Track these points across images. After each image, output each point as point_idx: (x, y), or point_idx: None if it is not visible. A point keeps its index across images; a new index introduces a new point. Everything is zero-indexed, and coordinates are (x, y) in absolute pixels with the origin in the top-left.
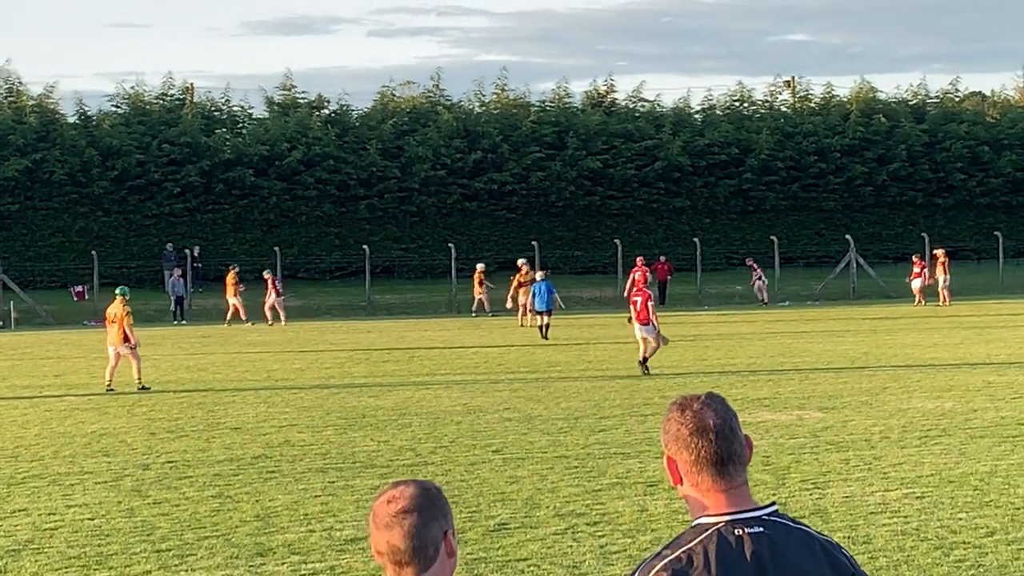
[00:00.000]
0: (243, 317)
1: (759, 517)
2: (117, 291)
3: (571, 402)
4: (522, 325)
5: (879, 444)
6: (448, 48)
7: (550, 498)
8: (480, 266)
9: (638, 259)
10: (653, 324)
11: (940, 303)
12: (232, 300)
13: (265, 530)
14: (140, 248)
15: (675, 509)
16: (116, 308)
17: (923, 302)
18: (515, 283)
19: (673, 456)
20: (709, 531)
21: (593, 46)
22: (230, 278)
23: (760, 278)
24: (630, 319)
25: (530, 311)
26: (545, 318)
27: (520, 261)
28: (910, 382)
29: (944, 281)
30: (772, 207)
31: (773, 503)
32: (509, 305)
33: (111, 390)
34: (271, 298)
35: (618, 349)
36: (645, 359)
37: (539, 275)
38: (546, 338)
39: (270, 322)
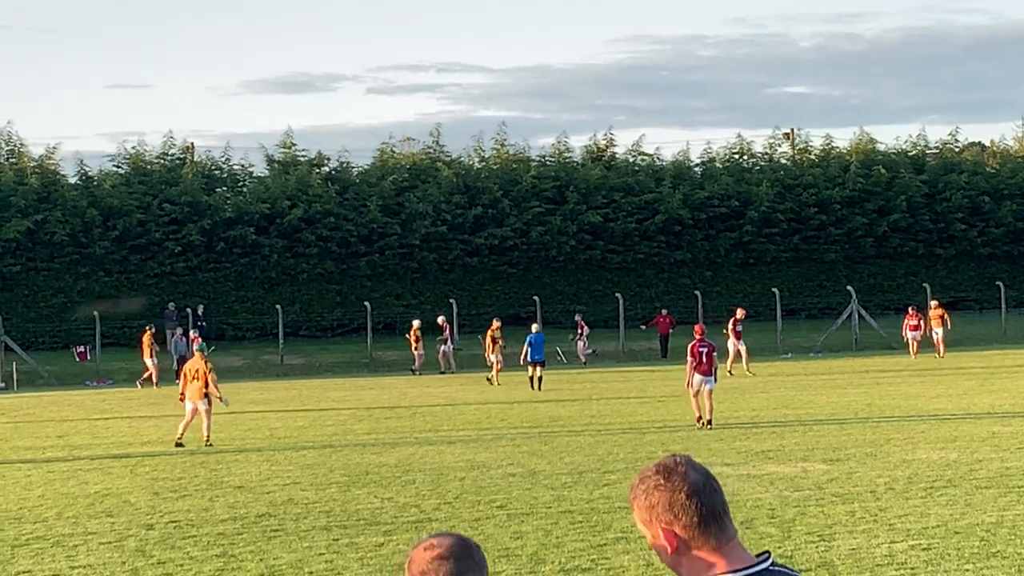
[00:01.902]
0: (153, 380)
1: (767, 569)
2: (196, 347)
3: (575, 457)
4: (488, 380)
5: (884, 495)
6: (447, 104)
7: (555, 553)
8: (416, 323)
9: (697, 327)
10: (715, 376)
11: (937, 355)
12: (148, 361)
13: None
14: (142, 308)
15: None
16: (198, 364)
17: (916, 354)
18: (489, 339)
19: (668, 526)
20: None
21: (592, 101)
22: (146, 338)
23: (582, 336)
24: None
25: (523, 361)
26: (539, 370)
27: (440, 319)
28: (914, 433)
29: (941, 333)
30: (773, 259)
31: (767, 552)
32: (496, 359)
33: (180, 445)
34: (447, 346)
35: (620, 403)
36: (709, 420)
37: (534, 327)
38: (539, 390)
39: (443, 370)
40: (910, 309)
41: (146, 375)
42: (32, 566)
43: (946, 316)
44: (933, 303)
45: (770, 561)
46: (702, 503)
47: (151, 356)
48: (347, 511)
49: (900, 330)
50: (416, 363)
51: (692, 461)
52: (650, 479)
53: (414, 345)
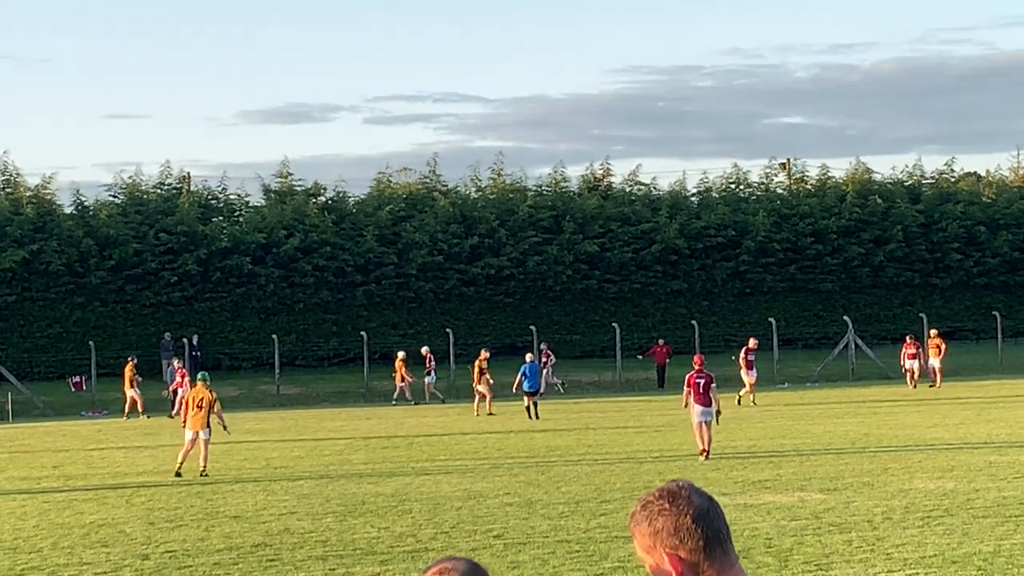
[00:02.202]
0: (140, 410)
1: None
2: (199, 376)
3: (572, 486)
4: (477, 414)
5: (882, 525)
6: (444, 134)
7: None
8: (401, 354)
9: (696, 358)
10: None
11: (934, 385)
12: (130, 392)
13: None
14: (138, 338)
15: None
16: (203, 393)
17: (916, 384)
18: (477, 370)
19: (673, 550)
20: None
21: (588, 131)
22: (128, 370)
23: (547, 365)
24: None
25: (515, 390)
26: (534, 398)
27: (424, 350)
28: (911, 463)
29: (938, 363)
30: (769, 289)
31: None
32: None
33: (179, 475)
34: (430, 378)
35: (617, 433)
36: (707, 451)
37: (528, 357)
38: (537, 417)
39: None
40: (908, 338)
41: (129, 407)
42: None
43: (943, 346)
44: (932, 332)
45: None
46: (707, 527)
47: (132, 387)
48: (343, 541)
49: (898, 359)
50: (397, 393)
51: (695, 486)
52: (654, 504)
53: (400, 376)
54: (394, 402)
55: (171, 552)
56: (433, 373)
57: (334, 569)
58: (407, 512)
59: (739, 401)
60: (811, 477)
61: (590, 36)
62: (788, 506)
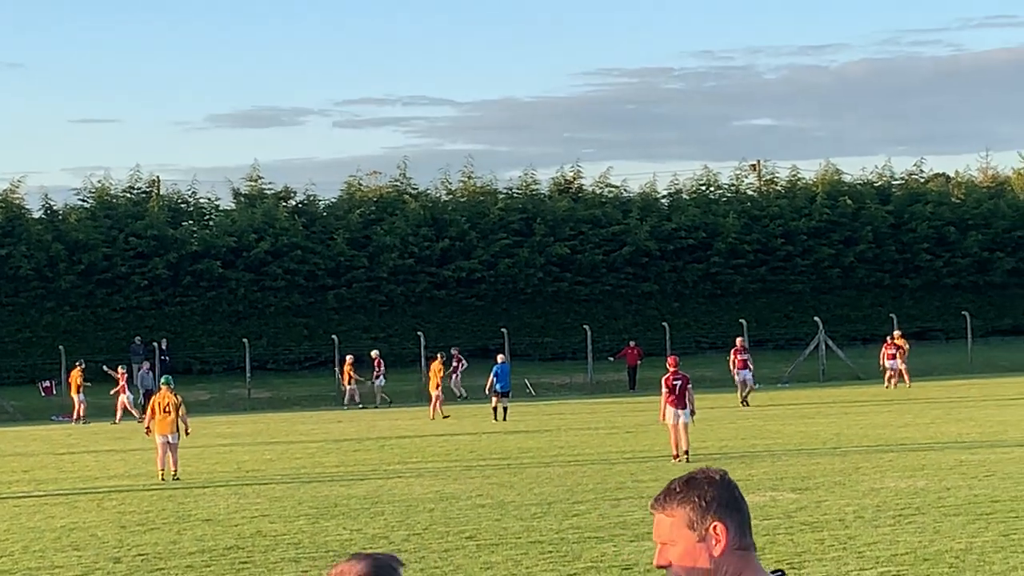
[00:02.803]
0: (82, 415)
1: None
2: (162, 381)
3: (544, 487)
4: (433, 418)
5: (853, 524)
6: (414, 138)
7: None
8: (349, 358)
9: (671, 359)
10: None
11: (905, 384)
12: (76, 397)
13: None
14: (108, 342)
15: None
16: (168, 397)
17: (895, 384)
18: (439, 373)
19: (723, 520)
20: None
21: (558, 134)
22: (76, 375)
23: (457, 371)
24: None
25: (488, 391)
26: (504, 400)
27: (373, 353)
28: (882, 462)
29: (901, 363)
30: (740, 290)
31: (782, 571)
32: (463, 393)
33: (165, 480)
34: (379, 381)
35: (589, 434)
36: (686, 452)
37: (500, 358)
38: (504, 420)
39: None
40: (888, 338)
41: (76, 412)
42: None
43: (904, 347)
44: (897, 333)
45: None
46: (744, 507)
47: (79, 392)
48: (316, 543)
49: (878, 359)
50: (348, 397)
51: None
52: (699, 481)
53: (347, 379)
54: (345, 406)
55: (143, 555)
56: (383, 377)
57: (307, 571)
58: (379, 514)
59: (746, 402)
60: (783, 477)
61: (559, 39)
62: (760, 505)
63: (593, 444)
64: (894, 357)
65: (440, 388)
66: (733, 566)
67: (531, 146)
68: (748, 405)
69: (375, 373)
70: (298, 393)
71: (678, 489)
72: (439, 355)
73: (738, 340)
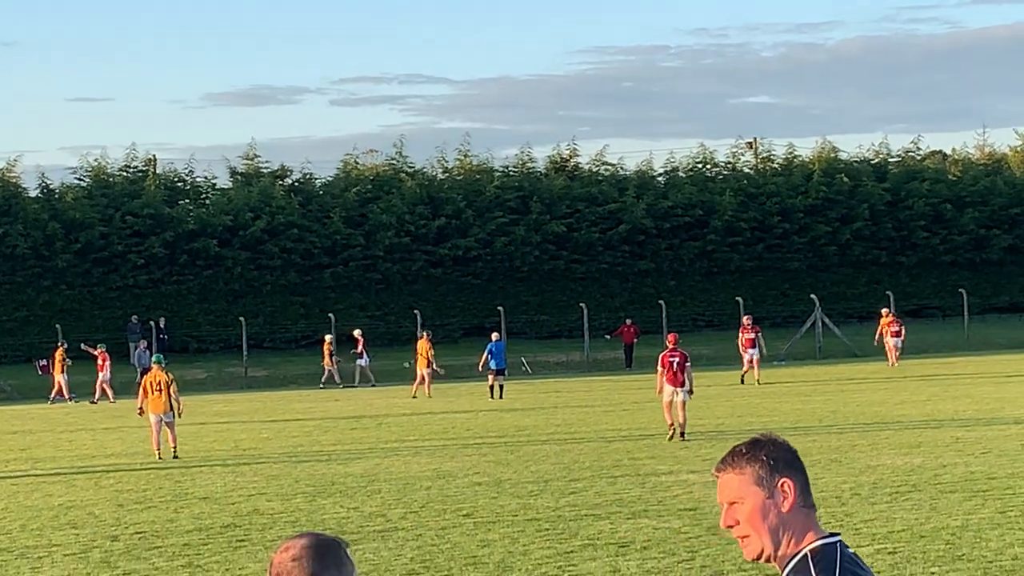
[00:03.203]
0: (65, 395)
1: (844, 545)
2: (155, 359)
3: (540, 465)
4: (414, 396)
5: (850, 501)
6: (410, 116)
7: (522, 561)
8: (328, 337)
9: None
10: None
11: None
12: (58, 377)
13: None
14: (105, 321)
15: (647, 570)
16: (159, 376)
17: (896, 361)
18: (426, 352)
19: (790, 478)
20: (845, 549)
21: (554, 112)
22: (59, 355)
23: (362, 354)
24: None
25: (481, 369)
26: (500, 378)
27: (356, 332)
28: (879, 439)
29: (895, 343)
30: (737, 268)
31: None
32: (441, 372)
33: (162, 459)
34: (362, 360)
35: (586, 412)
36: (682, 432)
37: (494, 336)
38: (500, 398)
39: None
40: (889, 315)
41: (56, 391)
42: None
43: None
44: (885, 310)
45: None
46: (805, 470)
47: (62, 372)
48: (313, 521)
49: (879, 337)
50: (326, 376)
51: None
52: (764, 443)
53: (327, 359)
54: (322, 385)
55: (140, 533)
56: (366, 355)
57: None
58: (376, 492)
59: (758, 381)
60: None
61: (555, 17)
62: None
63: (590, 422)
64: (898, 334)
65: (431, 367)
66: (801, 523)
67: (527, 124)
68: (743, 384)
69: (357, 352)
70: (294, 371)
71: (744, 450)
72: (425, 333)
73: (744, 318)
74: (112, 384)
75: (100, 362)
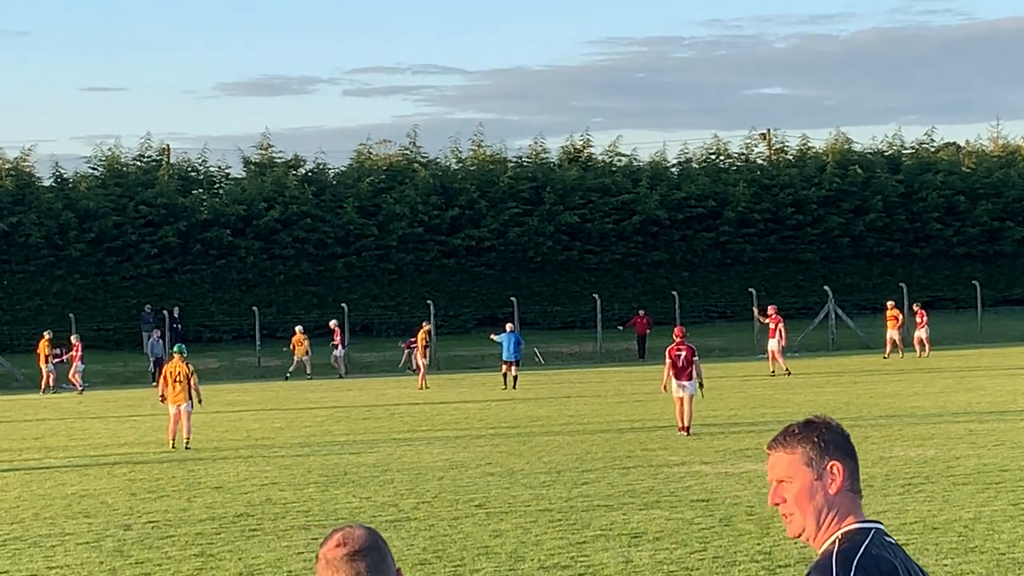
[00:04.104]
0: (51, 384)
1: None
2: (175, 349)
3: (553, 456)
4: (421, 388)
5: (863, 492)
6: (424, 106)
7: (534, 551)
8: (299, 328)
9: (676, 330)
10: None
11: (884, 356)
12: (44, 368)
13: None
14: (118, 310)
15: (660, 560)
16: (179, 366)
17: (902, 353)
18: (422, 343)
19: (840, 461)
20: (882, 536)
21: (568, 102)
22: (43, 345)
23: (339, 345)
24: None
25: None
26: (513, 369)
27: (332, 323)
28: (892, 431)
29: (899, 334)
30: (750, 259)
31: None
32: (423, 363)
33: (176, 448)
34: (338, 351)
35: (598, 403)
36: (687, 426)
37: (508, 327)
38: (514, 388)
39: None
40: (915, 307)
41: (45, 382)
42: (9, 566)
43: (900, 317)
44: (890, 304)
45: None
46: (856, 456)
47: (47, 362)
48: (325, 511)
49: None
50: (294, 367)
51: None
52: (817, 425)
53: (296, 349)
54: (288, 375)
55: (153, 522)
56: (341, 347)
57: (316, 539)
58: (389, 482)
59: (788, 371)
60: None
61: (569, 7)
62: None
63: (602, 413)
64: (922, 325)
65: (427, 358)
66: (845, 506)
67: (541, 115)
68: (774, 374)
69: (333, 342)
70: None
71: (797, 431)
72: (423, 324)
73: (770, 307)
74: (55, 377)
75: (74, 353)
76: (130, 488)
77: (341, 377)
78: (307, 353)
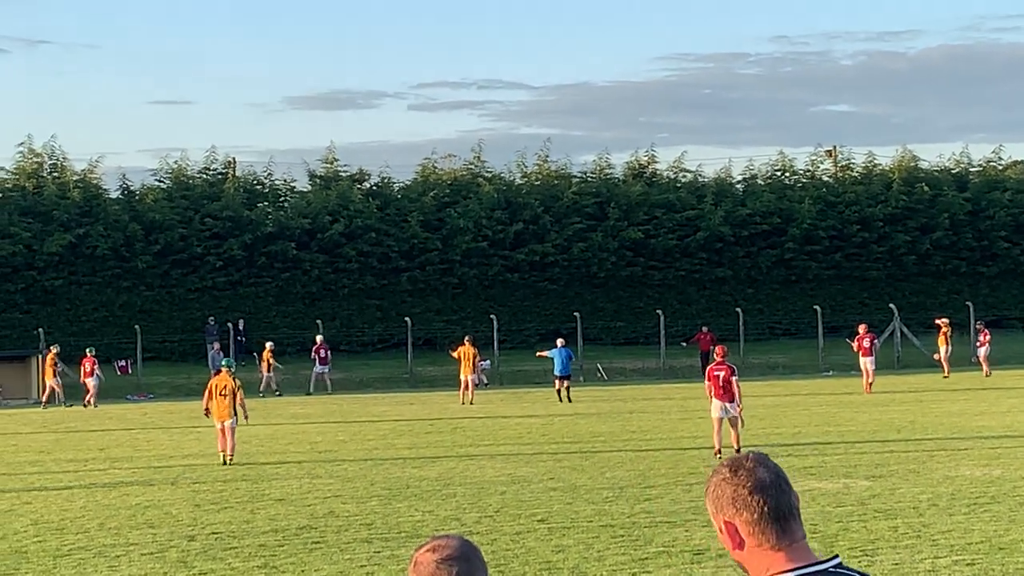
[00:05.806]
0: (61, 399)
1: (826, 571)
2: (223, 363)
3: (616, 472)
4: (463, 403)
5: (927, 512)
6: (489, 121)
7: (596, 567)
8: (269, 345)
9: (718, 349)
10: (737, 402)
11: (946, 374)
12: (49, 382)
13: None
14: (183, 322)
15: None
16: (226, 380)
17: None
18: (468, 359)
19: (731, 520)
20: None
21: (634, 118)
22: (50, 359)
23: (326, 359)
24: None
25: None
26: (565, 382)
27: (318, 338)
28: (957, 450)
29: (946, 351)
30: (815, 277)
31: (836, 556)
32: (475, 380)
33: (226, 464)
34: (320, 367)
35: (661, 419)
36: (737, 448)
37: (559, 342)
38: (569, 401)
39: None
40: (978, 324)
41: (47, 396)
42: None
43: (948, 333)
44: (944, 320)
45: (836, 562)
46: (766, 501)
47: (54, 376)
48: (388, 524)
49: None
50: (263, 384)
51: (764, 459)
52: (720, 473)
53: (266, 366)
54: (261, 394)
55: (217, 534)
56: (326, 363)
57: (379, 552)
58: (451, 496)
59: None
60: (856, 464)
61: (635, 23)
62: (833, 492)
63: (665, 429)
64: (983, 344)
65: (475, 373)
66: (748, 564)
67: (606, 130)
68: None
69: (320, 359)
70: (371, 375)
71: (708, 478)
72: (466, 337)
73: (861, 327)
74: (63, 391)
75: (88, 367)
76: (194, 499)
77: (328, 393)
78: (270, 369)
